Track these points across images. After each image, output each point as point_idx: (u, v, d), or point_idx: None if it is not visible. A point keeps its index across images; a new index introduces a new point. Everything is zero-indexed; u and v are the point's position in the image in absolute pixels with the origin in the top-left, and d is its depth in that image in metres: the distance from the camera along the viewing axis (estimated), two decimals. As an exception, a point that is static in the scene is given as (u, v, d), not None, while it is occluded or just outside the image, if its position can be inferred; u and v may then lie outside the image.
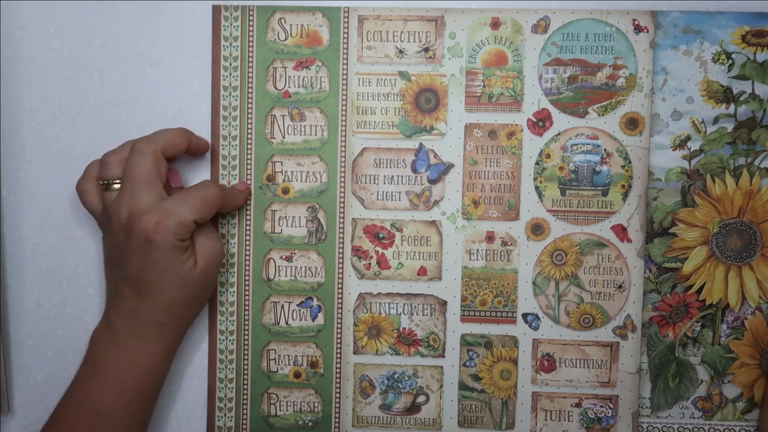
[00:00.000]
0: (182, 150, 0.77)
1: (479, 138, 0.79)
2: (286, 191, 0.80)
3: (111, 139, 0.80)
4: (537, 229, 0.79)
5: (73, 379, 0.75)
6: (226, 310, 0.80)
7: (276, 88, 0.80)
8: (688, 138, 0.78)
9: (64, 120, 0.80)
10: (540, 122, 0.79)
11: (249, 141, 0.80)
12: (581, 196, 0.79)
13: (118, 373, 0.73)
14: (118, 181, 0.75)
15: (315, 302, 0.81)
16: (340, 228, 0.80)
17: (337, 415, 0.81)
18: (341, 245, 0.80)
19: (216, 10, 0.79)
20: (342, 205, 0.80)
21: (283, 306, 0.81)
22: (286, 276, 0.81)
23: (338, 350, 0.81)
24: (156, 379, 0.76)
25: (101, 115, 0.80)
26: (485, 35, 0.78)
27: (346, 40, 0.79)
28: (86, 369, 0.74)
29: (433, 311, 0.80)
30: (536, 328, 0.80)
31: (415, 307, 0.80)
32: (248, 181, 0.80)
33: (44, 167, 0.81)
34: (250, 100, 0.80)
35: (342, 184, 0.80)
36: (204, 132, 0.80)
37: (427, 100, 0.79)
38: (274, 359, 0.81)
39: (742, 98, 0.78)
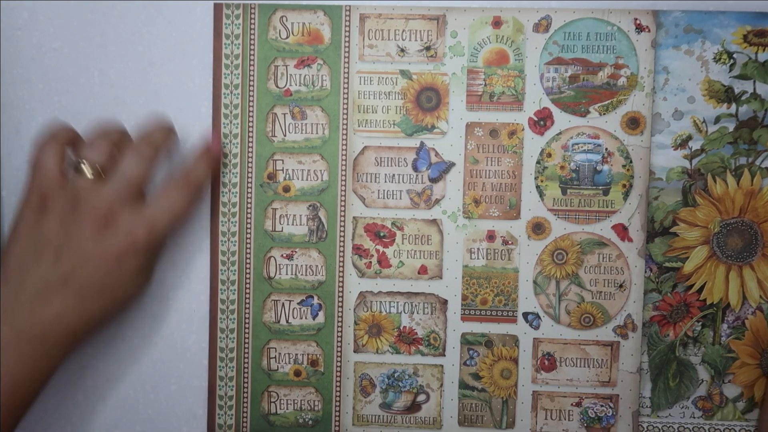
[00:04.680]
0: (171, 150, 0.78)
1: (480, 137, 0.79)
2: (287, 189, 0.80)
3: (111, 138, 0.80)
4: (538, 228, 0.79)
5: None
6: (227, 308, 0.80)
7: (277, 87, 0.79)
8: (690, 137, 0.78)
9: (64, 120, 0.80)
10: (541, 121, 0.79)
11: (250, 139, 0.80)
12: (582, 196, 0.79)
13: (9, 381, 0.68)
14: (90, 165, 0.72)
15: (315, 300, 0.81)
16: (340, 226, 0.80)
17: (337, 413, 0.81)
18: (342, 244, 0.80)
19: (217, 8, 0.79)
20: (343, 203, 0.80)
21: (283, 304, 0.81)
22: (286, 274, 0.81)
23: (339, 349, 0.81)
24: (42, 387, 0.71)
25: (101, 115, 0.80)
26: (487, 34, 0.78)
27: (347, 39, 0.79)
28: None
29: (433, 310, 0.80)
30: (537, 327, 0.80)
31: (415, 305, 0.80)
32: (250, 180, 0.80)
33: (45, 167, 0.81)
34: (251, 99, 0.79)
35: (343, 183, 0.80)
36: (205, 130, 0.80)
37: (428, 99, 0.79)
38: (275, 357, 0.81)
39: (743, 98, 0.78)
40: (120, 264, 0.70)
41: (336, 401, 0.81)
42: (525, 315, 0.80)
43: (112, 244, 0.70)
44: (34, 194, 0.71)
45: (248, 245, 0.80)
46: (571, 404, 0.80)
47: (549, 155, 0.79)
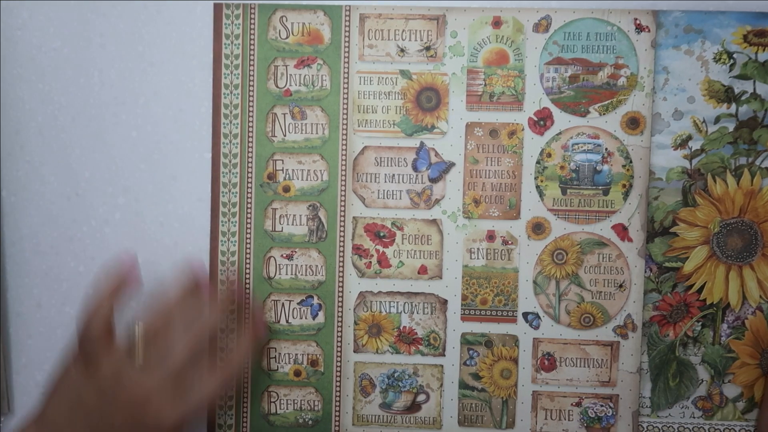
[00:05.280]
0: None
1: (480, 137, 0.79)
2: (287, 189, 0.80)
3: (111, 139, 0.80)
4: (538, 228, 0.79)
5: None
6: (227, 308, 0.80)
7: (277, 87, 0.79)
8: (690, 137, 0.78)
9: (64, 120, 0.80)
10: (541, 121, 0.78)
11: (250, 139, 0.80)
12: (582, 196, 0.79)
13: None
14: (137, 350, 0.72)
15: (315, 300, 0.81)
16: (340, 226, 0.80)
17: (337, 413, 0.81)
18: (342, 244, 0.80)
19: (217, 8, 0.79)
20: (343, 203, 0.80)
21: (283, 304, 0.81)
22: (286, 274, 0.81)
23: (339, 349, 0.81)
24: None
25: (101, 115, 0.80)
26: (486, 34, 0.78)
27: (347, 39, 0.79)
28: None
29: (433, 310, 0.80)
30: (537, 327, 0.80)
31: (415, 305, 0.80)
32: (250, 180, 0.80)
33: (44, 167, 0.81)
34: (251, 99, 0.79)
35: (343, 183, 0.80)
36: (205, 130, 0.80)
37: (428, 99, 0.79)
38: (275, 357, 0.81)
39: (743, 98, 0.78)
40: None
41: (336, 401, 0.81)
42: (525, 315, 0.80)
43: (141, 425, 0.70)
44: (81, 353, 0.71)
45: (248, 245, 0.80)
46: (571, 404, 0.80)
47: (549, 155, 0.79)
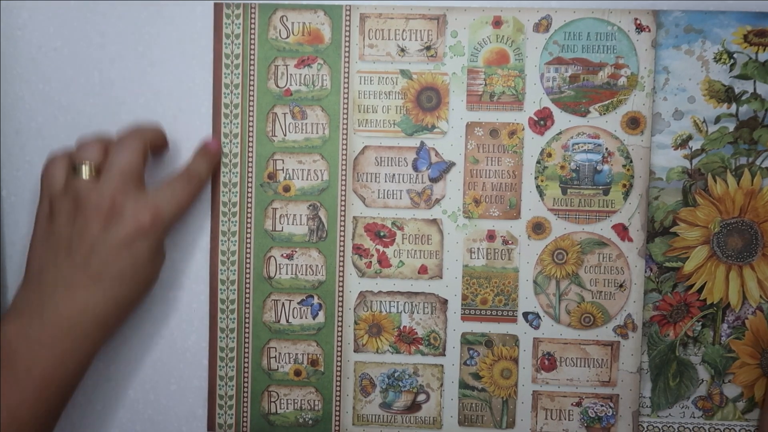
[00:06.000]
0: (160, 148, 0.79)
1: (480, 137, 0.79)
2: (287, 189, 0.80)
3: (111, 138, 0.80)
4: (538, 227, 0.79)
5: None
6: (227, 308, 0.80)
7: (277, 86, 0.79)
8: (690, 137, 0.78)
9: (64, 120, 0.80)
10: (541, 121, 0.78)
11: (250, 139, 0.80)
12: (582, 195, 0.79)
13: (45, 379, 0.69)
14: (86, 164, 0.73)
15: (316, 300, 0.81)
16: (341, 226, 0.80)
17: (337, 413, 0.81)
18: (342, 243, 0.80)
19: (218, 8, 0.79)
20: (343, 203, 0.80)
21: (283, 304, 0.81)
22: (286, 274, 0.81)
23: (339, 348, 0.81)
24: (78, 383, 0.73)
25: (101, 115, 0.80)
26: (487, 34, 0.78)
27: (347, 39, 0.79)
28: (2, 372, 0.69)
29: (433, 310, 0.80)
30: (537, 327, 0.80)
31: (415, 305, 0.80)
32: (250, 180, 0.80)
33: (44, 167, 0.81)
34: (251, 98, 0.79)
35: (343, 182, 0.80)
36: (205, 130, 0.80)
37: (428, 99, 0.79)
38: (275, 357, 0.81)
39: (743, 98, 0.78)
40: (131, 249, 0.72)
41: (336, 401, 0.81)
42: (525, 315, 0.80)
43: (119, 231, 0.71)
44: (45, 202, 0.74)
45: (248, 245, 0.80)
46: (571, 404, 0.80)
47: (549, 155, 0.79)
